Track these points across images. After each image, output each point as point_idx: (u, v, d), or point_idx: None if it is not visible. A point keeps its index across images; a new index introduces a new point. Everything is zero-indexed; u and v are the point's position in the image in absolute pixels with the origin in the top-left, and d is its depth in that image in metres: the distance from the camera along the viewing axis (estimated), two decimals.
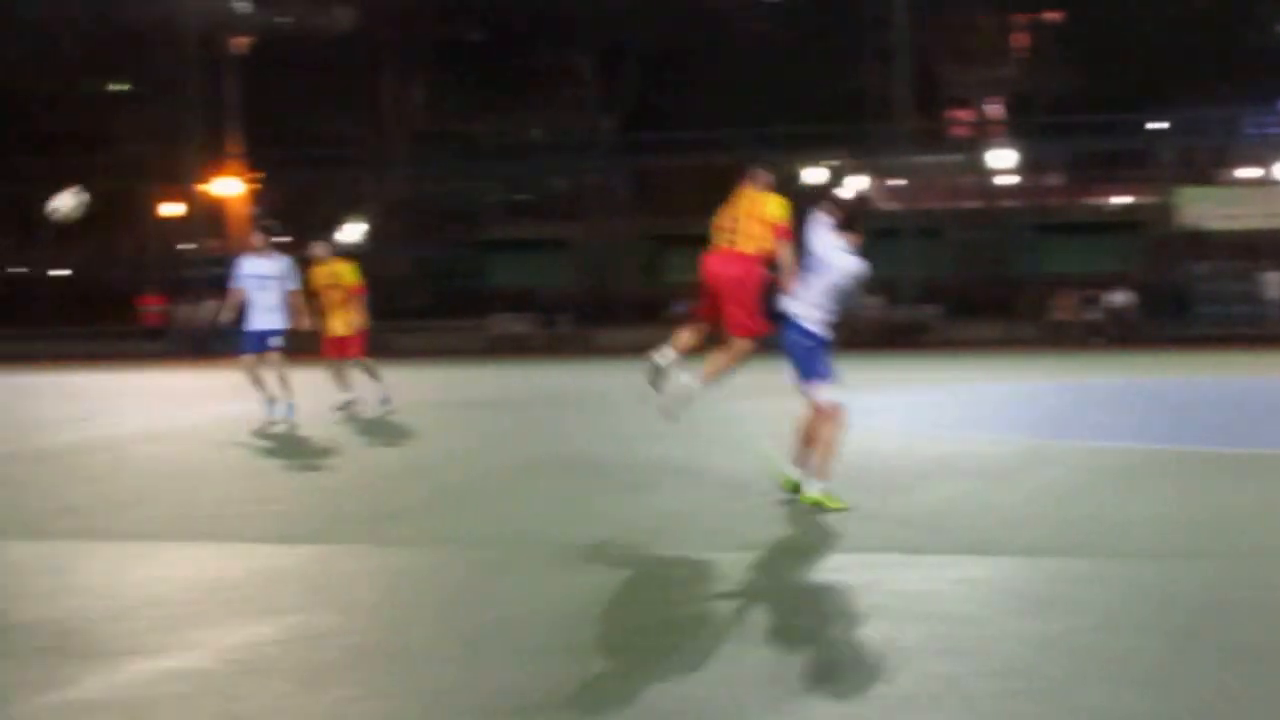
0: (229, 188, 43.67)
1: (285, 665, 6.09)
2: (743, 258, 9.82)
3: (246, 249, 17.17)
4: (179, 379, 27.82)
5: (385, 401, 18.19)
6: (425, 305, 43.71)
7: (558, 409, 19.20)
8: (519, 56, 49.02)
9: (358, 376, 18.52)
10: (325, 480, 12.27)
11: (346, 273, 18.22)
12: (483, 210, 50.01)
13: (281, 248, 17.03)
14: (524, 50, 48.97)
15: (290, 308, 16.73)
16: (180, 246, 44.69)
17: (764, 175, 10.10)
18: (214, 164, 43.17)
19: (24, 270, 47.45)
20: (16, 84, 47.62)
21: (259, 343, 16.58)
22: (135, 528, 9.81)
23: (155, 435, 16.46)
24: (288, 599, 7.39)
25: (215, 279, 42.45)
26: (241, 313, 16.71)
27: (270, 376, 16.60)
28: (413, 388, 23.06)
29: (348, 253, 18.72)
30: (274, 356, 16.64)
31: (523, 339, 38.51)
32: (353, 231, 48.82)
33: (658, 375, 9.84)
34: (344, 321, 18.12)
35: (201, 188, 43.98)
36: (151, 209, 47.21)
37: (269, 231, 17.21)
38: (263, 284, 16.56)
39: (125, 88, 50.61)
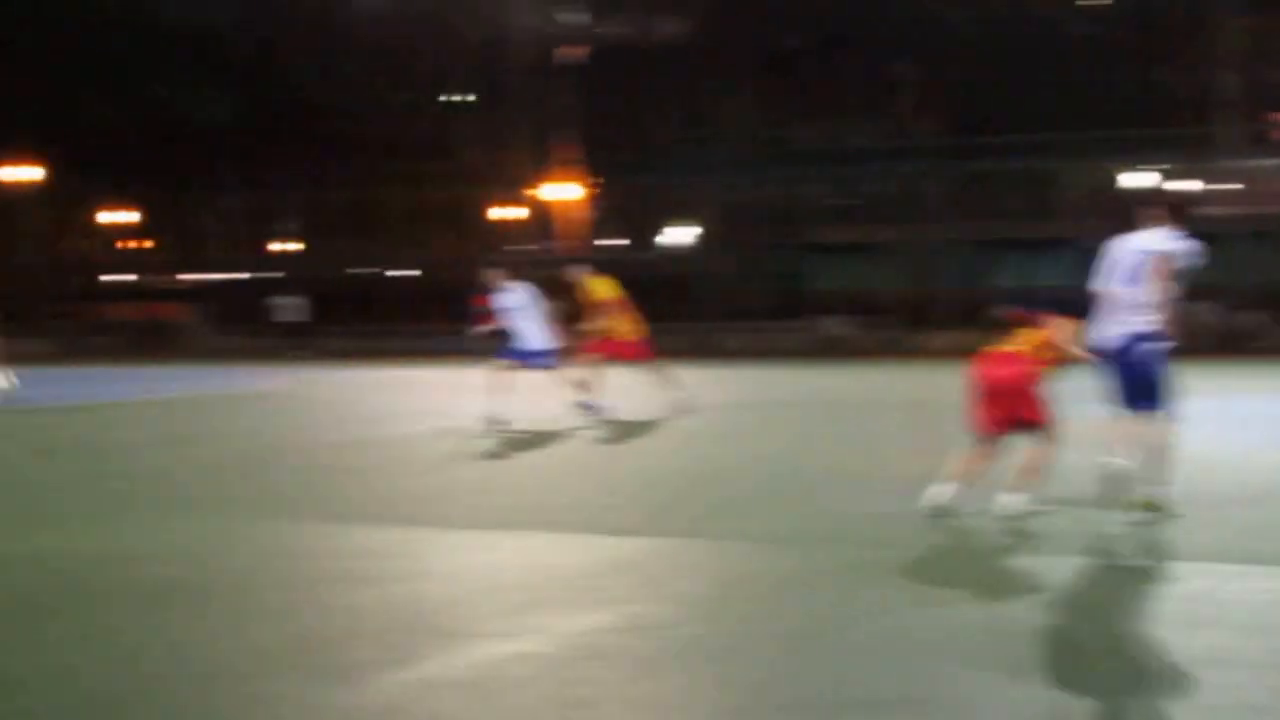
0: (562, 193, 44.75)
1: (620, 653, 6.19)
2: (1016, 358, 9.32)
3: (495, 283, 17.88)
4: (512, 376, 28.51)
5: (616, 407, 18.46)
6: (754, 307, 43.93)
7: (881, 412, 19.06)
8: (843, 62, 48.87)
9: (643, 380, 18.78)
10: (654, 475, 12.44)
11: (601, 288, 18.57)
12: (808, 214, 49.97)
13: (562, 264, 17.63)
14: (847, 56, 48.80)
15: (545, 324, 17.50)
16: (513, 249, 45.93)
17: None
18: (548, 170, 44.31)
19: (370, 271, 49.49)
20: (365, 96, 49.82)
21: (525, 357, 17.35)
22: (475, 516, 10.13)
23: (508, 430, 16.92)
24: (621, 589, 7.52)
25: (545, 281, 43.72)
26: (508, 333, 17.55)
27: (536, 383, 17.43)
28: (739, 387, 23.25)
29: (600, 269, 19.19)
30: (549, 369, 17.51)
31: (847, 341, 38.36)
32: (683, 235, 49.41)
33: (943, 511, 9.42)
34: (616, 329, 18.44)
35: (535, 193, 45.17)
36: (486, 214, 48.71)
37: (509, 267, 18.40)
38: (520, 312, 17.39)
39: (467, 99, 52.36)
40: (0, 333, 20.66)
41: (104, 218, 50.84)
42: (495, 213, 48.76)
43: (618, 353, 18.50)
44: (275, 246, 52.79)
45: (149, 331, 48.01)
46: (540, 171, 44.60)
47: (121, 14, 45.63)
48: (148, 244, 56.40)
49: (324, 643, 6.38)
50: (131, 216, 53.03)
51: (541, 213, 46.28)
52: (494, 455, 14.05)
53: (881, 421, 17.71)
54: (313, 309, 43.16)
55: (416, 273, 48.68)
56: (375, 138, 50.11)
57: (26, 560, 8.52)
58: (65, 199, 48.94)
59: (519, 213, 48.11)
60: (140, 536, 9.28)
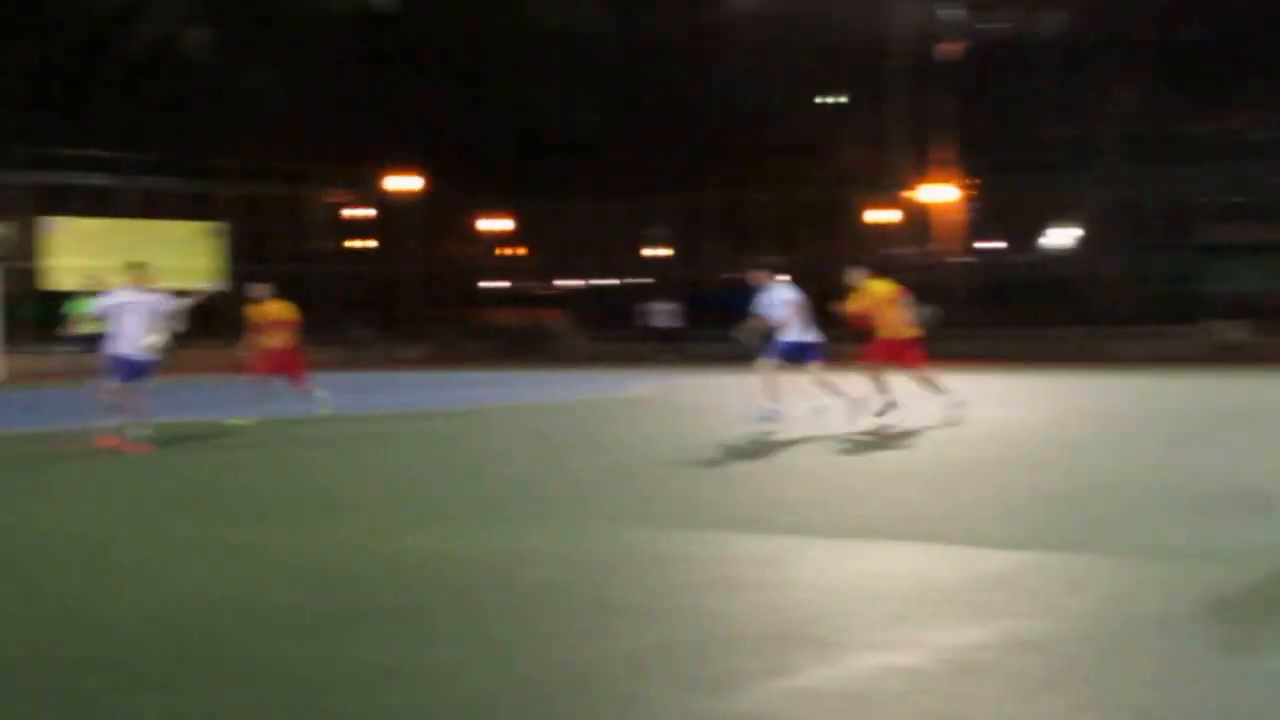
0: (939, 194, 44.23)
1: (998, 670, 6.09)
2: None
3: (756, 284, 18.90)
4: (895, 381, 28.39)
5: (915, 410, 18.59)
6: (1142, 311, 42.51)
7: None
8: (1236, 53, 46.72)
9: (911, 384, 18.80)
10: (1037, 486, 12.15)
11: (876, 291, 19.00)
12: (1200, 212, 47.98)
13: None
14: (1242, 46, 46.63)
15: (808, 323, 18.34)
16: (887, 252, 45.63)
17: None
18: (924, 171, 43.87)
19: (740, 275, 49.88)
20: (737, 99, 50.30)
21: (795, 353, 18.18)
22: (848, 525, 10.12)
23: (870, 435, 16.90)
24: (1000, 604, 7.38)
25: (923, 284, 43.24)
26: (774, 332, 18.38)
27: (811, 383, 18.19)
28: (1125, 395, 22.51)
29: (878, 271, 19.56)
30: (813, 367, 18.32)
31: (1244, 347, 36.69)
32: (1065, 236, 48.15)
33: None
34: (890, 331, 18.73)
35: (911, 195, 44.77)
36: (860, 216, 48.54)
37: (767, 267, 19.36)
38: (781, 307, 18.26)
39: (840, 100, 52.29)
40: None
41: (480, 225, 52.87)
42: (870, 215, 48.55)
43: (894, 356, 18.82)
44: (647, 251, 53.87)
45: (522, 337, 49.75)
46: (916, 172, 44.20)
47: (496, 24, 47.35)
48: (521, 250, 58.37)
49: (695, 650, 6.47)
50: (506, 223, 55.01)
51: (918, 215, 45.83)
52: (869, 462, 14.00)
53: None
54: (684, 313, 43.89)
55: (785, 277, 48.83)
56: (747, 140, 50.58)
57: (407, 561, 8.92)
58: (443, 207, 51.13)
59: (894, 215, 47.77)
60: (512, 540, 9.61)
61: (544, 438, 17.71)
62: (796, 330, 18.42)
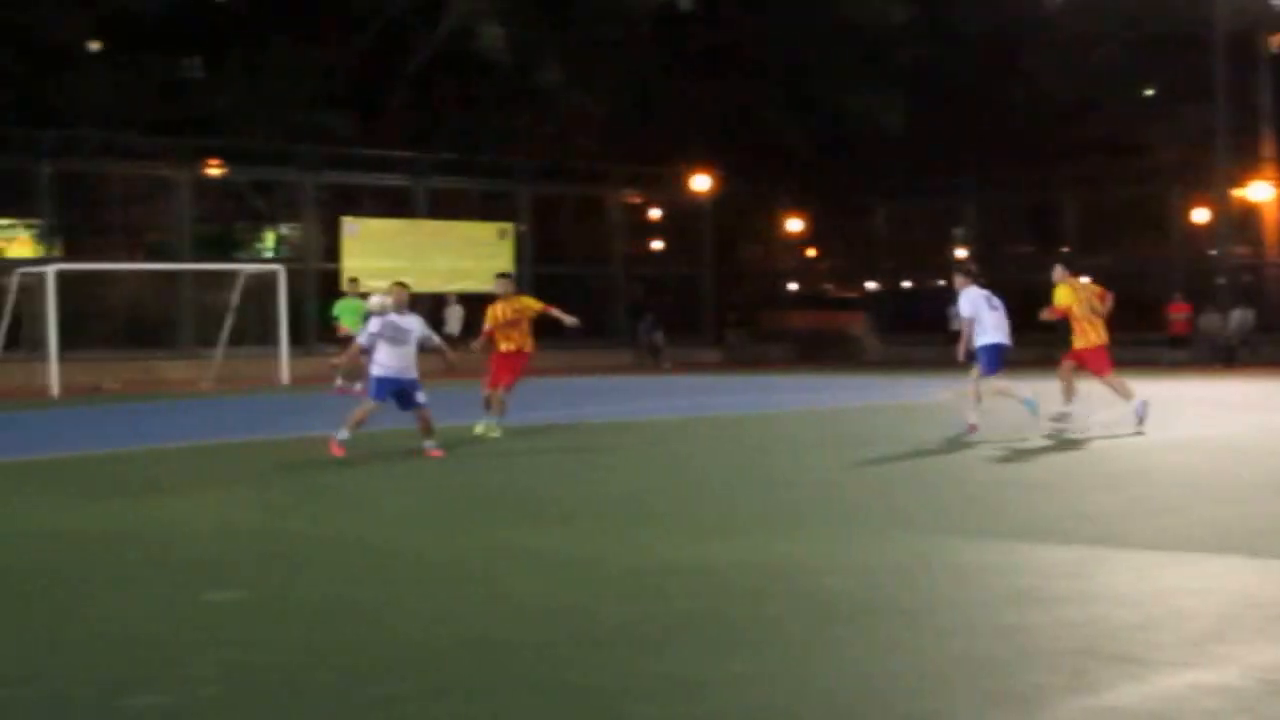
0: (1265, 192, 42.56)
1: None
2: None
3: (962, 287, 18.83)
4: (1204, 389, 27.56)
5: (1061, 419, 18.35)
6: None
7: None
8: None
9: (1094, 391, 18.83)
10: None
11: (1061, 295, 19.29)
12: None
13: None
14: None
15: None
16: (1210, 253, 44.11)
17: None
18: (1248, 169, 42.26)
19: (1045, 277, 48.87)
20: (1043, 95, 49.33)
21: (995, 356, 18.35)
22: (1159, 537, 9.88)
23: (1178, 444, 16.46)
24: None
25: (1245, 288, 41.71)
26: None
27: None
28: None
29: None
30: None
31: None
32: None
33: None
34: (1086, 337, 18.98)
35: (1234, 193, 43.16)
36: (1180, 215, 47.04)
37: (969, 272, 19.25)
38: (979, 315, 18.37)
39: (1148, 93, 50.79)
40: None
41: (777, 226, 52.95)
42: (1187, 214, 47.01)
43: (1086, 361, 19.03)
44: (948, 254, 53.25)
45: (818, 340, 49.67)
46: (1240, 170, 42.56)
47: (797, 20, 47.33)
48: (819, 252, 58.27)
49: (996, 664, 6.43)
50: (803, 224, 55.00)
51: (1243, 215, 44.12)
52: (1184, 473, 13.61)
53: None
54: None
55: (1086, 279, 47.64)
56: (1056, 137, 49.55)
57: (705, 569, 9.03)
58: (739, 207, 51.40)
59: (1213, 214, 46.15)
60: (810, 548, 9.65)
61: (841, 443, 17.67)
62: (991, 333, 18.42)
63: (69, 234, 38.06)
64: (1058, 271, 19.79)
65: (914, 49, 47.07)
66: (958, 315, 19.20)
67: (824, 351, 47.62)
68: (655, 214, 52.31)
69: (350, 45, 43.99)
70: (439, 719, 5.81)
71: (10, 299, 32.46)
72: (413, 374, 15.83)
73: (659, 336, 44.24)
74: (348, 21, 43.82)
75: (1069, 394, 18.84)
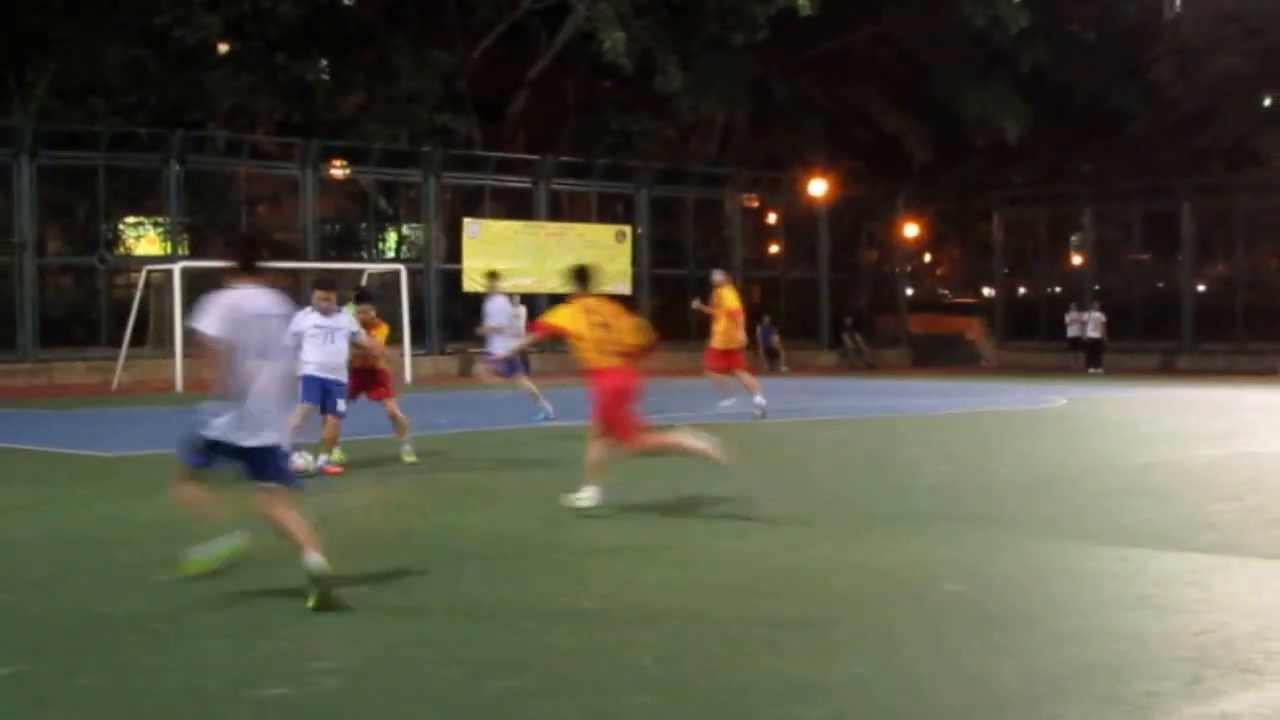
0: None
1: None
2: None
3: None
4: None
5: None
6: None
7: None
8: None
9: None
10: None
11: (731, 297, 21.14)
12: None
13: None
14: None
15: None
16: None
17: None
18: None
19: (1165, 285, 48.28)
20: (1166, 101, 48.71)
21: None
22: (1276, 547, 9.77)
23: None
24: None
25: None
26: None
27: None
28: None
29: None
30: None
31: None
32: None
33: None
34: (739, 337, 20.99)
35: None
36: None
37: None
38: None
39: (1269, 102, 49.87)
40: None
41: (893, 230, 52.71)
42: None
43: (732, 359, 20.96)
44: (1068, 260, 52.70)
45: (934, 345, 49.36)
46: None
47: (920, 23, 47.05)
48: (938, 255, 57.89)
49: (1111, 671, 6.42)
50: (920, 229, 54.68)
51: None
52: None
53: None
54: (1107, 324, 42.71)
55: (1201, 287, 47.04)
56: (1173, 147, 48.86)
57: (820, 570, 9.08)
58: (858, 211, 51.21)
59: None
60: (925, 552, 9.64)
61: (958, 448, 17.60)
62: None
63: (196, 232, 38.74)
64: (719, 275, 21.82)
65: (1034, 54, 46.61)
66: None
67: (940, 356, 47.33)
68: (772, 218, 52.27)
69: (474, 48, 44.35)
70: (565, 716, 5.89)
71: (138, 296, 33.04)
72: (339, 376, 14.82)
73: (775, 340, 44.18)
74: (472, 24, 44.19)
75: (738, 387, 21.04)
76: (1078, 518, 11.34)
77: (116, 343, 32.94)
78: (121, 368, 32.25)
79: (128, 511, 11.98)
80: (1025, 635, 7.17)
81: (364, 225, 42.77)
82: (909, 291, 54.17)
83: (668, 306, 42.73)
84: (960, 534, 10.38)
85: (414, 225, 43.66)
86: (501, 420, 20.90)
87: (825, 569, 9.06)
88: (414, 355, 35.12)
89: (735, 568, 9.13)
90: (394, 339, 21.11)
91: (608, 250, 41.49)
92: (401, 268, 36.26)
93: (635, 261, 43.33)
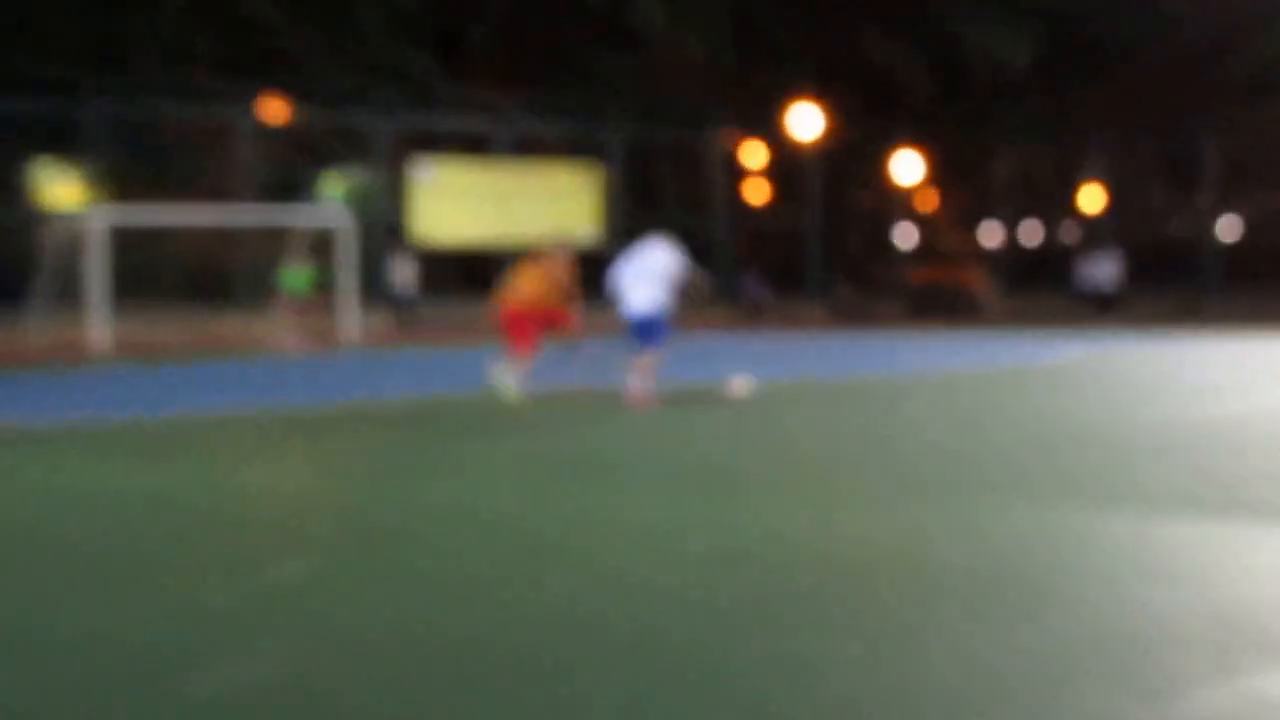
0: None
1: None
2: None
3: None
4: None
5: None
6: None
7: None
8: None
9: None
10: None
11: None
12: None
13: None
14: None
15: None
16: None
17: None
18: None
19: (1187, 230, 48.31)
20: (1180, 34, 48.65)
21: None
22: None
23: None
24: None
25: None
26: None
27: None
28: None
29: None
30: None
31: None
32: None
33: None
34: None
35: None
36: None
37: None
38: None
39: None
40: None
41: (890, 171, 52.59)
42: None
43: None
44: (1078, 203, 52.69)
45: (935, 296, 49.34)
46: None
47: None
48: (934, 199, 57.79)
49: (1128, 646, 6.36)
50: (919, 170, 54.58)
51: None
52: None
53: None
54: (1123, 272, 42.74)
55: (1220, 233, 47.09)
56: (1192, 81, 48.81)
57: (815, 542, 8.99)
58: (849, 151, 51.10)
59: None
60: (926, 520, 9.57)
61: (962, 407, 17.56)
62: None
63: (120, 181, 38.38)
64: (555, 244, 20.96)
65: None
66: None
67: (941, 308, 47.31)
68: (758, 160, 52.11)
69: None
70: (531, 700, 5.82)
71: (53, 248, 32.64)
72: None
73: (764, 292, 44.10)
74: None
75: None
76: (1088, 480, 11.27)
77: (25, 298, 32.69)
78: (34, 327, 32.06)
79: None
80: (1029, 607, 7.11)
81: (308, 172, 42.44)
82: (906, 237, 54.12)
83: None
84: (962, 501, 10.31)
85: (362, 171, 43.41)
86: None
87: (817, 540, 8.99)
88: (365, 313, 34.98)
89: (725, 540, 9.04)
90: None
91: (577, 198, 41.36)
92: (347, 217, 35.91)
93: (610, 207, 43.17)
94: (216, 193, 37.67)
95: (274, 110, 40.40)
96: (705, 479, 11.59)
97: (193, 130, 40.27)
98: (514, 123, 42.04)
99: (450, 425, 16.17)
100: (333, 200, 39.52)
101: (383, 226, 39.62)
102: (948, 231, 56.90)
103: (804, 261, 48.67)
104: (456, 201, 37.97)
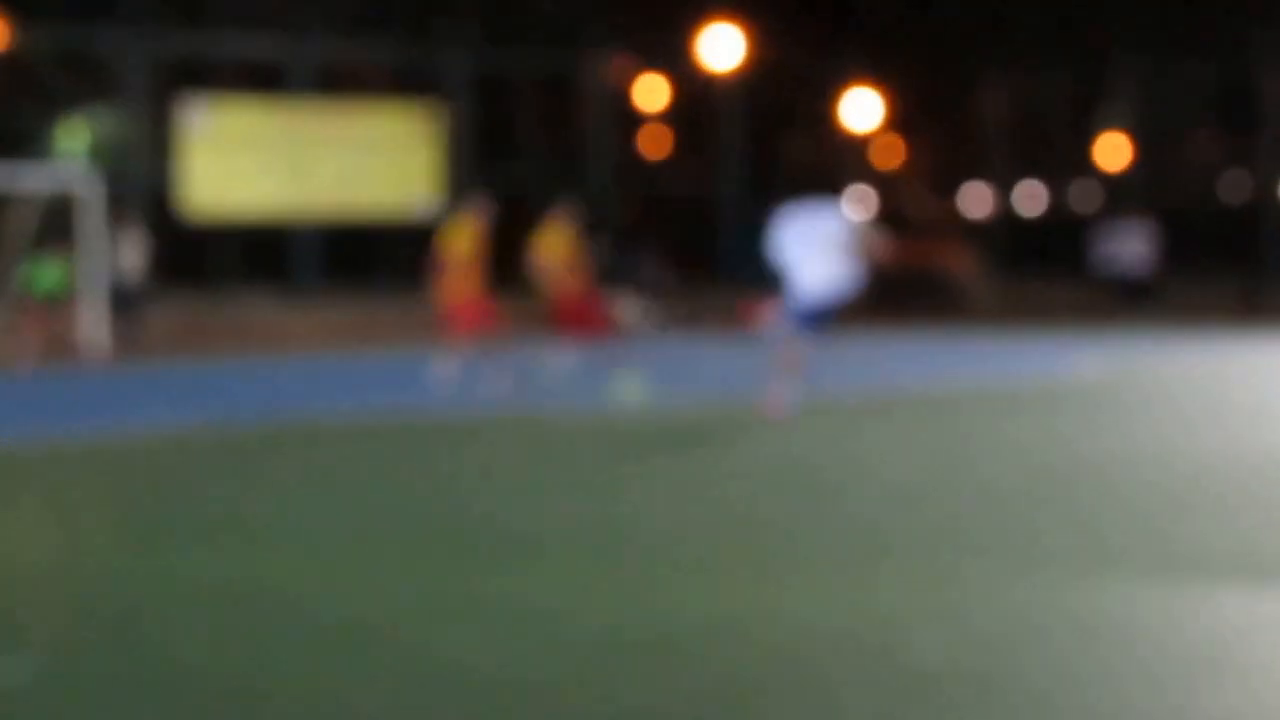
0: None
1: None
2: None
3: None
4: None
5: None
6: None
7: None
8: None
9: None
10: None
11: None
12: None
13: None
14: None
15: None
16: None
17: None
18: None
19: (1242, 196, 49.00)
20: None
21: None
22: None
23: None
24: None
25: None
26: None
27: None
28: None
29: None
30: None
31: None
32: None
33: None
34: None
35: None
36: None
37: None
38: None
39: None
40: None
41: (837, 112, 52.87)
42: None
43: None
44: (1095, 157, 53.20)
45: (896, 284, 49.51)
46: None
47: None
48: (897, 151, 58.19)
49: None
50: (873, 110, 54.85)
51: None
52: None
53: None
54: (1156, 251, 43.04)
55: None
56: None
57: (731, 627, 8.99)
58: (779, 86, 51.30)
59: None
60: (893, 597, 9.58)
61: (939, 438, 17.63)
62: None
63: None
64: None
65: None
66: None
67: (909, 298, 47.45)
68: (657, 99, 52.12)
69: None
70: None
71: None
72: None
73: (660, 272, 44.12)
74: None
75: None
76: (1112, 542, 11.32)
77: None
78: None
79: None
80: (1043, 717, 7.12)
81: (32, 112, 42.08)
82: (861, 204, 54.54)
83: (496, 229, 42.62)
84: (939, 569, 10.34)
85: (108, 113, 42.99)
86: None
87: (747, 623, 8.99)
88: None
89: (615, 627, 9.04)
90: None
91: (405, 150, 41.27)
92: (88, 176, 35.43)
93: (452, 162, 43.07)
94: None
95: None
96: (597, 543, 11.56)
97: None
98: (316, 45, 41.83)
99: (229, 466, 16.05)
100: (72, 156, 39.25)
101: (143, 193, 39.27)
102: (917, 195, 57.31)
103: (717, 235, 48.79)
104: (240, 157, 37.72)
